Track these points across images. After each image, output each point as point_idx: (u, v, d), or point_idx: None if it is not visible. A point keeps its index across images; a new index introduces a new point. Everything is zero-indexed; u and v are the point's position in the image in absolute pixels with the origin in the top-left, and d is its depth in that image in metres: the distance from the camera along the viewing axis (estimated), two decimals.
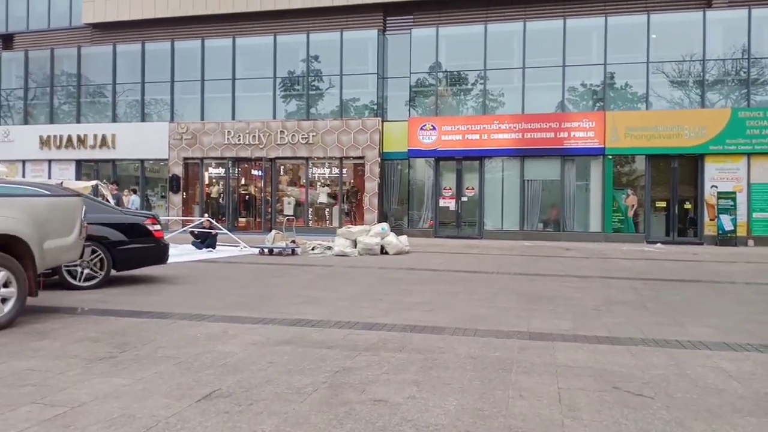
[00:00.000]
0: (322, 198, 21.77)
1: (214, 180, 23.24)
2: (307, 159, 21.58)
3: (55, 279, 7.97)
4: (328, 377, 4.06)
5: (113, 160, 23.61)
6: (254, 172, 22.96)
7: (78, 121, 24.15)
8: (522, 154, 19.77)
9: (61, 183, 10.89)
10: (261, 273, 10.27)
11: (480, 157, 20.09)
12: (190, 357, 4.54)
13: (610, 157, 19.22)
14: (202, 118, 22.54)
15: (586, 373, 4.25)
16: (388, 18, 21.86)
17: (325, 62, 21.77)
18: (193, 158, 22.54)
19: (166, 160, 22.73)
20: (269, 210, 22.01)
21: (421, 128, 20.31)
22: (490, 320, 6.19)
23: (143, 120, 23.41)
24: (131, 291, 7.96)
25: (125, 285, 8.47)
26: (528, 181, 19.98)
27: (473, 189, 20.33)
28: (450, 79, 21.00)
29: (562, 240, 18.99)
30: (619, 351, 4.92)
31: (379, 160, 20.71)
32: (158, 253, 8.83)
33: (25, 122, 24.96)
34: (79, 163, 23.99)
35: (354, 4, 21.52)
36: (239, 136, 21.74)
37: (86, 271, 8.01)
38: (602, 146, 19.14)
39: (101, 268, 8.11)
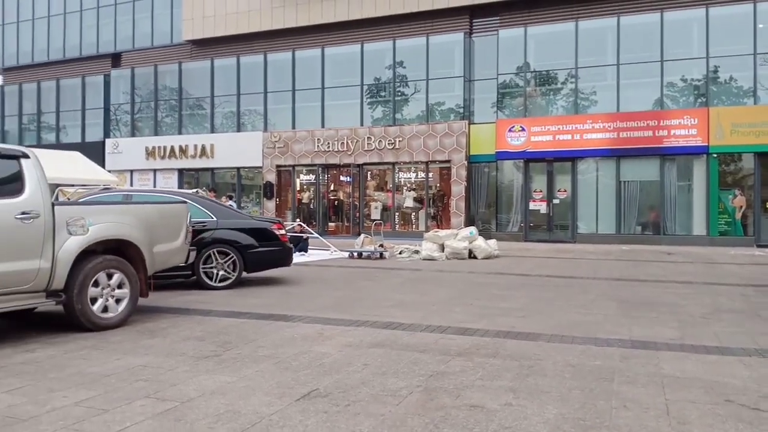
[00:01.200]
0: (409, 202, 21.85)
1: (305, 186, 23.93)
2: (393, 164, 21.75)
3: (193, 279, 8.63)
4: (423, 381, 4.06)
5: (212, 169, 24.86)
6: (343, 178, 23.42)
7: (180, 133, 25.64)
8: (617, 154, 18.94)
9: (197, 191, 11.76)
10: (351, 276, 10.44)
11: (572, 157, 19.45)
12: (288, 357, 4.68)
13: (715, 155, 18.02)
14: (294, 127, 23.27)
15: (696, 385, 4.00)
16: (474, 20, 21.65)
17: (410, 67, 21.88)
18: (285, 165, 23.31)
19: (260, 167, 23.65)
20: (357, 214, 22.37)
21: (510, 130, 19.95)
22: (588, 327, 5.97)
23: (239, 130, 24.49)
24: (230, 293, 8.32)
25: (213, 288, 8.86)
26: (624, 182, 19.10)
27: (565, 191, 19.70)
28: (539, 78, 20.50)
29: (662, 244, 17.99)
30: (730, 362, 4.60)
31: (465, 163, 20.53)
32: (284, 255, 9.33)
33: (132, 135, 26.79)
34: (181, 172, 25.45)
35: (440, 9, 21.47)
36: (328, 143, 22.26)
37: (221, 272, 8.63)
38: (705, 144, 17.98)
39: (234, 270, 8.71)
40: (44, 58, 30.21)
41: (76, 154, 17.30)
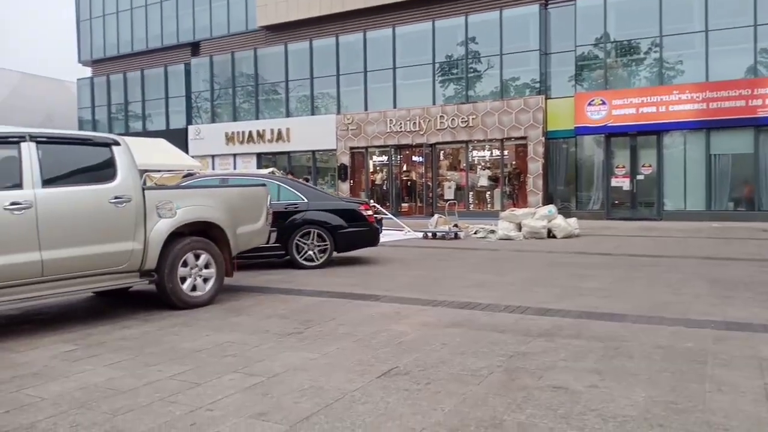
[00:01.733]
0: (483, 181, 21.53)
1: (378, 167, 24.05)
2: (467, 142, 21.46)
3: (286, 259, 8.98)
4: (503, 361, 4.01)
5: (288, 152, 25.44)
6: (415, 158, 23.36)
7: (257, 118, 26.35)
8: (707, 126, 17.84)
9: (272, 171, 12.13)
10: (426, 256, 10.43)
11: (657, 131, 18.48)
12: (367, 335, 4.74)
13: None
14: (366, 109, 23.38)
15: None
16: None
17: (483, 43, 21.40)
18: (358, 147, 23.52)
19: (334, 150, 23.97)
20: (430, 195, 22.28)
21: (589, 104, 19.18)
22: (678, 308, 5.69)
23: (313, 114, 24.88)
24: (309, 272, 8.51)
25: (294, 268, 9.08)
26: (715, 155, 17.99)
27: (650, 166, 18.79)
28: (620, 49, 19.54)
29: (757, 220, 16.86)
30: None
31: (543, 139, 19.96)
32: (371, 235, 9.52)
33: (213, 121, 27.77)
34: (259, 156, 26.19)
35: None
36: (400, 123, 22.22)
37: (313, 252, 8.92)
38: None
39: (325, 250, 8.97)
40: (129, 50, 31.72)
41: (161, 141, 18.14)
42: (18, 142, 4.89)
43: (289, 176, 18.13)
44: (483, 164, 21.84)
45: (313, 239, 8.96)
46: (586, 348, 4.31)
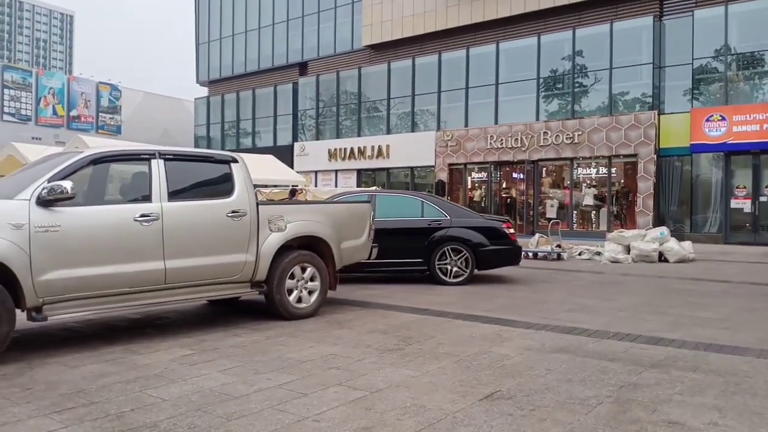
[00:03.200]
0: (588, 200, 20.73)
1: (476, 184, 23.84)
2: (571, 159, 20.79)
3: (426, 274, 9.19)
4: (613, 391, 3.83)
5: (387, 169, 25.84)
6: (516, 175, 22.93)
7: (358, 135, 27.02)
8: None
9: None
10: (528, 277, 10.18)
11: None
12: (468, 356, 4.70)
13: None
14: (466, 125, 23.30)
15: None
16: (665, 2, 19.89)
17: (591, 57, 20.73)
18: (457, 164, 23.45)
19: (433, 166, 24.05)
20: (531, 213, 21.76)
21: (707, 120, 18.02)
22: None
23: (412, 130, 25.14)
24: (408, 289, 8.56)
25: (398, 284, 9.16)
26: None
27: None
28: (742, 62, 18.24)
29: None
30: None
31: (654, 157, 18.96)
32: (514, 254, 9.48)
33: (317, 138, 28.78)
34: (359, 172, 26.80)
35: None
36: (501, 139, 21.94)
37: (455, 269, 9.02)
38: None
39: (466, 267, 9.05)
40: (242, 70, 33.64)
41: (270, 157, 19.02)
42: (149, 159, 5.32)
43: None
44: (588, 182, 21.05)
45: (455, 256, 9.02)
46: (704, 382, 4.03)
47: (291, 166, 25.64)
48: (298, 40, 30.82)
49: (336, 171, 27.49)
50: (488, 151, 22.31)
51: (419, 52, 25.22)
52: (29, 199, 4.54)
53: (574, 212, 20.93)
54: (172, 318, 6.39)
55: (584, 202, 20.77)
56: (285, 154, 26.64)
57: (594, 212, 20.74)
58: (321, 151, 27.81)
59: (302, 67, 30.73)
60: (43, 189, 4.57)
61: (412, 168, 25.22)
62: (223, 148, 32.19)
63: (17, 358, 4.54)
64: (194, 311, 6.83)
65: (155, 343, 5.09)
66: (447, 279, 8.98)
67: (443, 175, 23.60)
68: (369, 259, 7.31)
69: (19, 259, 4.39)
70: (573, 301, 7.60)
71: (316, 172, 28.03)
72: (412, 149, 24.48)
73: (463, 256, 9.02)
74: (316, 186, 26.54)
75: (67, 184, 4.55)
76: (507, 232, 9.38)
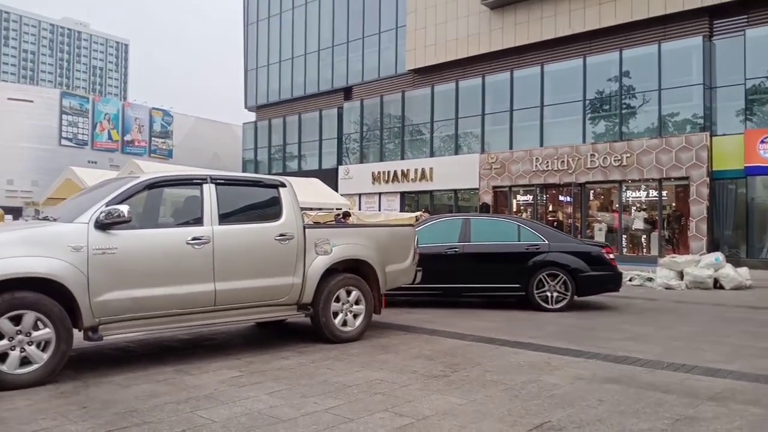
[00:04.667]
0: (638, 224, 20.20)
1: (521, 207, 23.57)
2: (620, 182, 20.35)
3: (520, 297, 9.08)
4: (668, 425, 3.69)
5: (430, 191, 25.83)
6: (562, 197, 22.57)
7: (402, 158, 27.15)
8: None
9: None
10: (576, 303, 9.90)
11: None
12: (516, 384, 4.61)
13: None
14: (510, 147, 23.14)
15: None
16: (714, 21, 19.44)
17: (638, 78, 20.36)
18: (501, 186, 23.26)
19: (476, 189, 23.91)
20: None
21: (762, 141, 17.40)
22: None
23: (456, 153, 25.12)
24: (451, 313, 8.48)
25: (442, 308, 9.08)
26: None
27: None
28: None
29: None
30: None
31: (707, 180, 18.37)
32: (615, 280, 9.26)
33: (360, 161, 29.05)
34: (402, 194, 26.86)
35: (674, 13, 19.67)
36: (547, 162, 21.67)
37: (555, 294, 8.86)
38: None
39: (565, 291, 8.87)
40: (288, 95, 34.39)
41: (315, 181, 19.28)
42: (201, 184, 5.47)
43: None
44: (638, 206, 20.53)
45: (553, 282, 8.84)
46: (767, 417, 3.84)
47: (335, 189, 25.91)
48: (343, 65, 31.35)
49: (379, 194, 27.63)
50: (534, 173, 22.06)
51: (462, 75, 25.29)
52: (88, 223, 4.72)
53: (624, 236, 20.41)
54: (220, 339, 6.50)
55: (634, 226, 20.25)
56: (330, 177, 26.95)
57: (644, 236, 20.19)
58: (365, 174, 28.03)
59: (347, 92, 31.19)
60: (101, 213, 4.75)
61: (455, 190, 25.14)
62: (269, 172, 32.83)
63: (73, 377, 4.68)
64: (242, 333, 6.93)
65: (205, 364, 5.18)
66: (548, 305, 8.77)
67: (487, 198, 23.42)
68: (414, 282, 7.28)
69: (78, 280, 4.55)
70: (625, 329, 7.38)
71: (360, 195, 28.23)
72: (455, 172, 24.42)
73: (560, 280, 8.81)
74: (360, 209, 26.73)
75: (124, 208, 4.72)
76: (608, 257, 9.16)
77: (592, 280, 8.95)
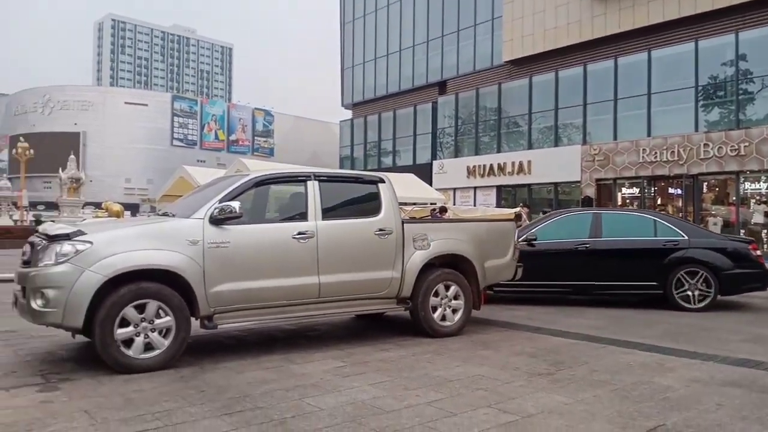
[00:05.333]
0: (758, 218, 18.66)
1: (627, 200, 22.47)
2: (737, 173, 18.90)
3: (656, 296, 8.75)
4: None
5: (528, 185, 25.21)
6: (672, 190, 21.29)
7: (498, 151, 26.69)
8: None
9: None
10: None
11: None
12: (626, 385, 4.42)
13: None
14: (615, 138, 22.12)
15: None
16: None
17: (756, 61, 18.80)
18: (605, 179, 22.30)
19: (578, 182, 23.06)
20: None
21: None
22: None
23: (556, 145, 24.35)
24: (553, 311, 8.26)
25: (543, 305, 8.85)
26: None
27: None
28: None
29: None
30: None
31: None
32: (761, 278, 8.77)
33: (455, 155, 28.86)
34: (499, 188, 26.43)
35: None
36: (655, 153, 20.52)
37: (697, 292, 8.46)
38: None
39: (708, 289, 8.45)
40: (383, 92, 34.79)
41: (410, 176, 19.38)
42: (305, 181, 5.67)
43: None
44: (758, 198, 18.98)
45: (694, 279, 8.42)
46: None
47: (430, 183, 25.92)
48: (438, 59, 31.25)
49: (474, 188, 27.35)
50: (640, 165, 20.97)
51: (562, 64, 24.46)
52: (203, 218, 5.02)
53: (742, 231, 18.94)
54: (322, 330, 6.70)
55: (753, 220, 18.74)
56: (424, 172, 26.99)
57: (765, 231, 18.64)
58: (459, 169, 27.83)
59: (441, 86, 31.08)
60: (215, 209, 5.04)
61: (555, 184, 24.38)
62: (365, 168, 33.41)
63: (191, 362, 5.01)
64: (342, 325, 7.11)
65: (309, 354, 5.36)
66: (689, 305, 8.33)
67: (590, 191, 22.54)
68: (513, 279, 7.15)
69: (195, 272, 4.86)
70: (745, 330, 6.87)
71: (454, 190, 28.08)
72: (555, 164, 23.69)
73: (701, 277, 8.37)
74: (455, 204, 26.58)
75: (236, 205, 4.99)
76: (754, 254, 8.67)
77: (738, 277, 8.44)
